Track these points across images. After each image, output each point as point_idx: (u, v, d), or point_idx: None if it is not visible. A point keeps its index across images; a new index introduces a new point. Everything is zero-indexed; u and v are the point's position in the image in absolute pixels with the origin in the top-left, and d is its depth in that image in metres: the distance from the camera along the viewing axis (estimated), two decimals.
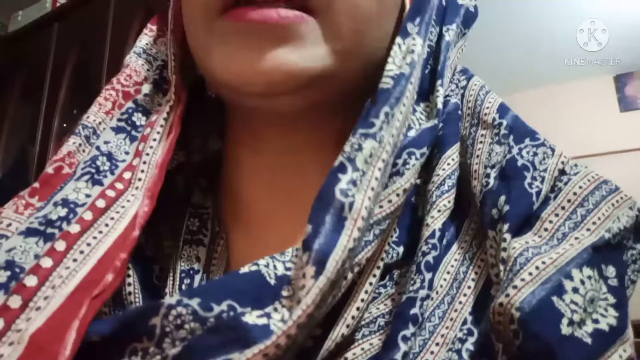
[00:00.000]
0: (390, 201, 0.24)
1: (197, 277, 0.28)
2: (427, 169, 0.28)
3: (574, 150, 2.22)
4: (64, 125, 1.33)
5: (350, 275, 0.22)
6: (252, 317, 0.20)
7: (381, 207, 0.24)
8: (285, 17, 0.24)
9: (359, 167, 0.22)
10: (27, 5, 1.57)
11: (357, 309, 0.23)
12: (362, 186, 0.22)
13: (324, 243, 0.20)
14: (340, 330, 0.22)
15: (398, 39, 0.26)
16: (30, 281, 0.21)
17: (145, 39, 0.33)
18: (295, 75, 0.24)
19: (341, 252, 0.20)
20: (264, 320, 0.20)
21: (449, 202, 0.26)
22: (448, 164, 0.27)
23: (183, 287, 0.27)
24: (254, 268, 0.22)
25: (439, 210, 0.25)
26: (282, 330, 0.19)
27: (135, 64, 0.32)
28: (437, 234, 0.24)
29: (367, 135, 0.23)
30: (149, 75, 0.32)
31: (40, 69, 1.40)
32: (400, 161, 0.25)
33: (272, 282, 0.22)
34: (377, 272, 0.24)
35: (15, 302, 0.21)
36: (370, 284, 0.24)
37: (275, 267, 0.23)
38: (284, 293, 0.21)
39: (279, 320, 0.20)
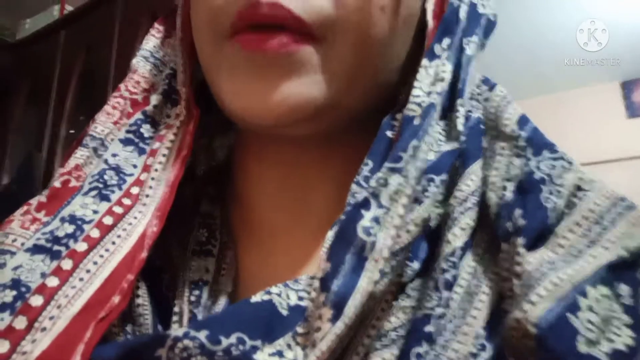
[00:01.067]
0: (408, 231, 0.23)
1: (206, 288, 0.27)
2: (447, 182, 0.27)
3: (581, 157, 2.19)
4: (71, 131, 1.33)
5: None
6: (263, 355, 0.19)
7: (399, 237, 0.22)
8: (284, 45, 0.23)
9: (384, 204, 0.21)
10: (35, 13, 1.58)
11: (368, 336, 0.23)
12: (385, 224, 0.21)
13: (342, 285, 0.20)
14: (350, 359, 0.22)
15: (424, 61, 0.25)
16: (36, 301, 0.21)
17: (152, 41, 0.33)
18: (300, 107, 0.24)
19: (360, 296, 0.20)
20: None
21: (472, 220, 0.25)
22: (472, 180, 0.26)
23: (192, 298, 0.27)
24: (266, 297, 0.22)
25: (461, 228, 0.24)
26: None
27: (143, 69, 0.31)
28: (458, 252, 0.24)
29: (394, 169, 0.22)
30: (157, 82, 0.31)
31: (48, 76, 1.41)
32: (419, 188, 0.24)
33: (285, 312, 0.21)
34: (390, 297, 0.24)
35: (20, 323, 0.20)
36: (383, 310, 0.23)
37: (288, 296, 0.22)
38: (299, 330, 0.20)
39: None
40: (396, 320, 0.23)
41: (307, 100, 0.24)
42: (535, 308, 0.20)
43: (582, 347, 0.19)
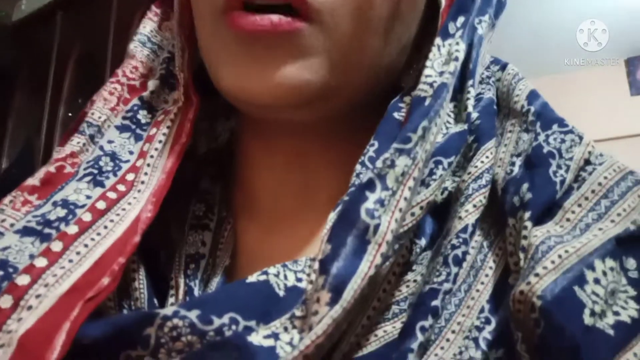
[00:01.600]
0: (413, 214, 0.23)
1: (203, 262, 0.27)
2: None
3: (586, 135, 2.20)
4: (69, 114, 1.32)
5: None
6: (258, 337, 0.19)
7: (404, 220, 0.22)
8: (278, 24, 0.22)
9: (389, 186, 0.20)
10: None
11: (368, 317, 0.23)
12: (390, 207, 0.20)
13: (342, 268, 0.19)
14: (348, 340, 0.22)
15: (437, 40, 0.24)
16: (23, 280, 0.21)
17: (149, 25, 0.32)
18: (298, 88, 0.23)
19: (360, 280, 0.19)
20: (270, 342, 0.19)
21: (484, 197, 0.24)
22: (487, 157, 0.25)
23: (188, 271, 0.26)
24: (262, 278, 0.21)
25: (474, 205, 0.24)
26: (288, 358, 0.18)
27: (140, 55, 0.31)
28: (470, 229, 0.23)
29: (401, 151, 0.21)
30: (154, 67, 0.31)
31: (45, 58, 1.40)
32: (426, 170, 0.24)
33: (281, 293, 0.21)
34: (393, 279, 0.24)
35: (6, 302, 0.20)
36: (384, 290, 0.23)
37: (285, 276, 0.22)
38: (297, 313, 0.20)
39: (287, 344, 0.19)
40: (399, 294, 0.23)
41: (304, 83, 0.24)
42: (541, 280, 0.20)
43: (587, 319, 0.19)
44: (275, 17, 0.23)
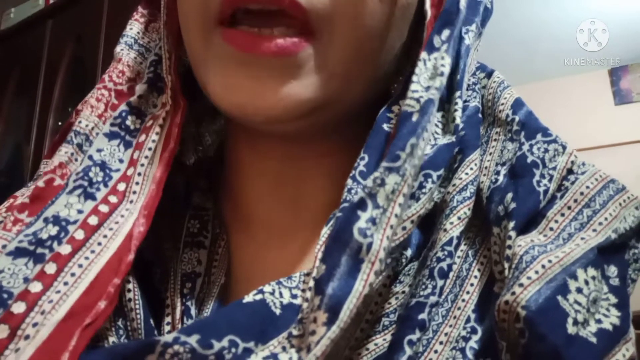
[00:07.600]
0: (404, 228, 0.23)
1: (199, 281, 0.27)
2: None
3: (570, 144, 2.22)
4: (59, 123, 1.32)
5: None
6: (257, 359, 0.19)
7: (395, 235, 0.22)
8: (282, 48, 0.23)
9: (380, 204, 0.20)
10: (20, 2, 1.55)
11: (361, 330, 0.23)
12: (382, 224, 0.20)
13: (337, 288, 0.19)
14: (343, 353, 0.22)
15: (423, 54, 0.24)
16: (19, 308, 0.20)
17: (136, 27, 0.32)
18: (295, 108, 0.24)
19: (356, 299, 0.19)
20: None
21: (469, 209, 0.25)
22: (471, 169, 0.26)
23: (185, 290, 0.26)
24: (258, 297, 0.21)
25: (459, 217, 0.24)
26: None
27: (127, 58, 0.30)
28: (455, 241, 0.24)
29: (391, 169, 0.21)
30: (142, 70, 0.30)
31: (35, 66, 1.40)
32: (416, 184, 0.24)
33: (278, 311, 0.21)
34: (384, 290, 0.24)
35: (2, 332, 0.20)
36: (376, 303, 0.23)
37: (281, 294, 0.22)
38: (294, 332, 0.20)
39: None
40: (388, 306, 0.24)
41: (302, 101, 0.24)
42: (525, 290, 0.20)
43: (571, 329, 0.20)
44: (280, 41, 0.23)
